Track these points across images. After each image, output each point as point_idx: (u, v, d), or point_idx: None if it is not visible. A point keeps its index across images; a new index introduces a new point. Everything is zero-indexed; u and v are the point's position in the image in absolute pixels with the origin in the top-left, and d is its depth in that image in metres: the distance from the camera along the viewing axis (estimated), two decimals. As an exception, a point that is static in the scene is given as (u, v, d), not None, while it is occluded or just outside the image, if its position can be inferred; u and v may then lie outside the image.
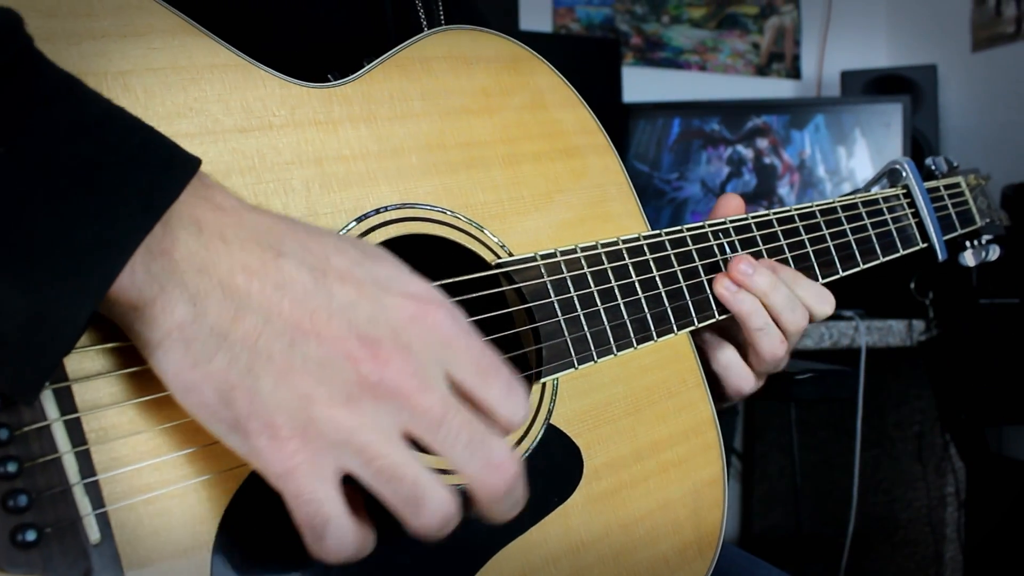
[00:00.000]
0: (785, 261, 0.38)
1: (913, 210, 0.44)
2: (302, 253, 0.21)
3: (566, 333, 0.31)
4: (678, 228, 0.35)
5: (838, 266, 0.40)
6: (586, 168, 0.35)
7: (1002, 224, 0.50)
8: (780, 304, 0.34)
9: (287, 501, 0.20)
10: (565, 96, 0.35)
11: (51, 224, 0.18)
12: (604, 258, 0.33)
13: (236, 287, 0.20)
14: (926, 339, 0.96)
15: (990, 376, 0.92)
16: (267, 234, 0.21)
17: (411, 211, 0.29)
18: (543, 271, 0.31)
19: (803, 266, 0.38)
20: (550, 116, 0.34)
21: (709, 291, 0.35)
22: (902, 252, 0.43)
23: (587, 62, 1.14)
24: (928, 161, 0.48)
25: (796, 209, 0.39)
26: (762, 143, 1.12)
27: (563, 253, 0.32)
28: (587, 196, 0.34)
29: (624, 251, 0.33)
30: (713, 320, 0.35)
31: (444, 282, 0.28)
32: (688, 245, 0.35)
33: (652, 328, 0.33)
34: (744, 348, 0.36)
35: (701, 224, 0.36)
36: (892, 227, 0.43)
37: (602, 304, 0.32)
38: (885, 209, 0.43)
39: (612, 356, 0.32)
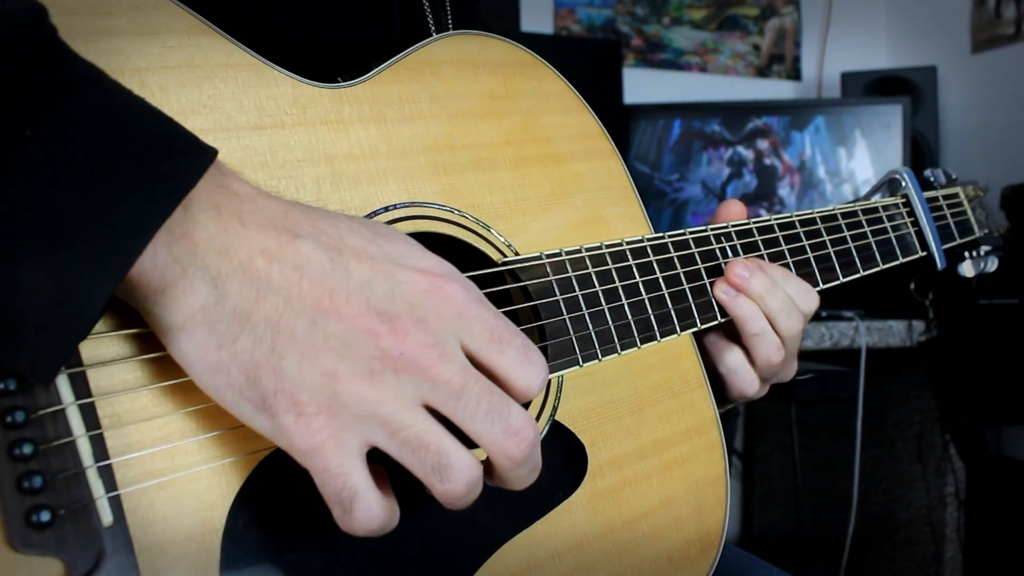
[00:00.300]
0: (787, 266, 0.38)
1: (912, 219, 0.45)
2: (317, 234, 0.21)
3: (571, 331, 0.31)
4: (681, 231, 0.36)
5: (839, 272, 0.40)
6: (591, 172, 0.35)
7: (1000, 235, 0.51)
8: (776, 308, 0.35)
9: (315, 476, 0.21)
10: (570, 101, 0.35)
11: (75, 206, 0.18)
12: (608, 259, 0.33)
13: (256, 269, 0.20)
14: (926, 339, 0.97)
15: (990, 376, 0.93)
16: (283, 218, 0.21)
17: (420, 209, 0.30)
18: (548, 270, 0.31)
19: (804, 271, 0.39)
20: (556, 120, 0.35)
21: (711, 293, 0.36)
22: (901, 260, 0.44)
23: (588, 63, 1.14)
24: (927, 173, 0.49)
25: (797, 215, 0.40)
26: (762, 144, 1.12)
27: (568, 253, 0.32)
28: (591, 199, 0.35)
29: (628, 252, 0.34)
30: (715, 322, 0.36)
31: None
32: (691, 248, 0.36)
33: (655, 328, 0.34)
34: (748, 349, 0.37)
35: (703, 228, 0.37)
36: (892, 235, 0.44)
37: (606, 304, 0.32)
38: (885, 217, 0.44)
39: (616, 355, 0.32)
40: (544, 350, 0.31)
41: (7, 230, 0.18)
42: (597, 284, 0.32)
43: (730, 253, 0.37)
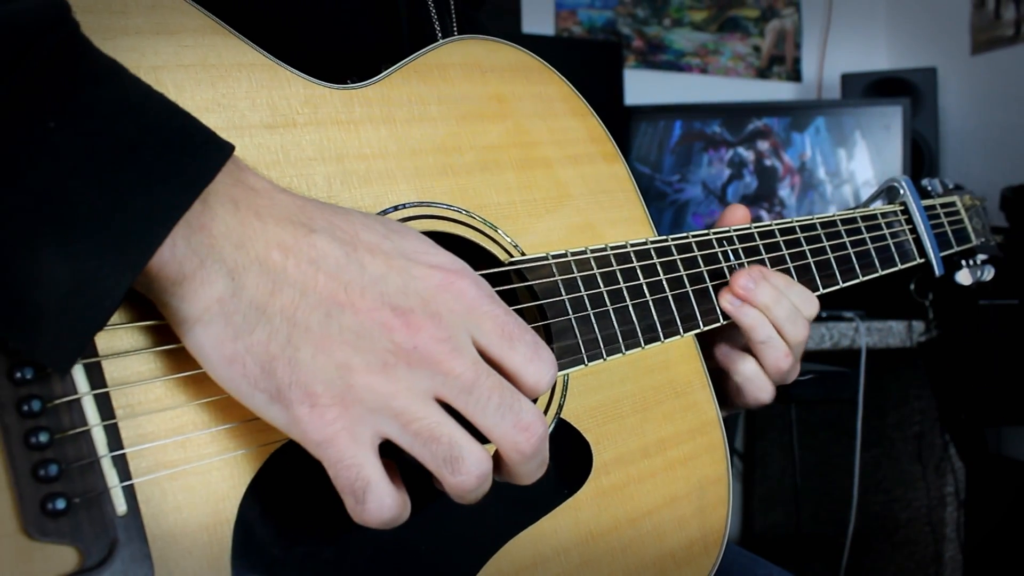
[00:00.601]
0: (787, 270, 0.39)
1: (911, 226, 0.46)
2: (332, 229, 0.22)
3: (576, 331, 0.31)
4: (683, 235, 0.36)
5: (838, 277, 0.41)
6: (595, 174, 0.36)
7: (996, 244, 0.51)
8: (783, 317, 0.35)
9: (328, 468, 0.21)
10: (575, 105, 0.36)
11: (95, 197, 0.18)
12: (613, 260, 0.33)
13: (273, 262, 0.20)
14: (926, 340, 0.97)
15: (989, 377, 0.93)
16: (299, 212, 0.21)
17: (429, 209, 0.30)
18: (554, 270, 0.32)
19: (804, 277, 0.39)
20: (561, 124, 0.35)
21: (714, 296, 0.36)
22: (900, 266, 0.44)
23: (589, 65, 1.14)
24: (924, 182, 0.50)
25: (798, 221, 0.40)
26: (763, 145, 1.13)
27: (574, 254, 0.32)
28: (596, 201, 0.35)
29: (632, 254, 0.34)
30: (718, 324, 0.36)
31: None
32: (693, 251, 0.36)
33: (659, 329, 0.34)
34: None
35: (706, 231, 0.37)
36: (890, 242, 0.44)
37: (611, 304, 0.33)
38: (883, 224, 0.44)
39: (621, 355, 0.33)
40: (550, 347, 0.31)
41: (29, 220, 0.18)
42: (602, 285, 0.33)
43: (732, 256, 0.37)
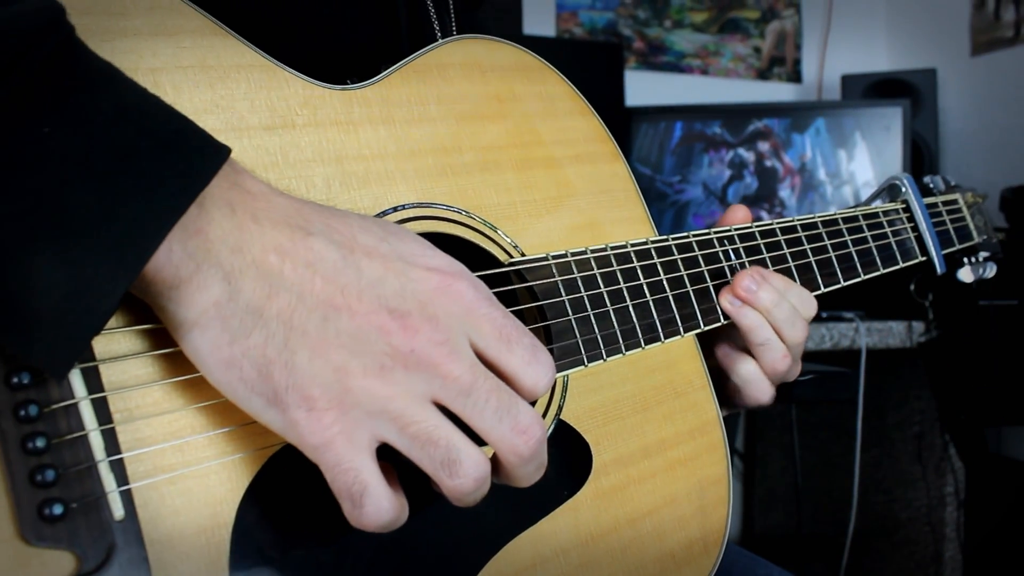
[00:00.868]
0: (788, 269, 0.39)
1: (912, 224, 0.45)
2: (329, 232, 0.21)
3: (576, 331, 0.31)
4: (684, 234, 0.36)
5: (839, 276, 0.41)
6: (596, 174, 0.36)
7: (998, 242, 0.51)
8: (783, 319, 0.35)
9: (325, 471, 0.21)
10: (575, 104, 0.36)
11: (91, 202, 0.18)
12: (613, 260, 0.33)
13: (269, 266, 0.20)
14: (926, 340, 0.97)
15: (989, 377, 0.93)
16: (296, 215, 0.21)
17: (428, 210, 0.30)
18: (554, 271, 0.32)
19: (806, 276, 0.39)
20: (561, 123, 0.35)
21: (714, 296, 0.36)
22: (901, 264, 0.44)
23: (590, 66, 1.14)
24: (926, 179, 0.50)
25: (799, 219, 0.40)
26: (763, 146, 1.13)
27: (574, 255, 0.32)
28: (596, 201, 0.35)
29: (633, 254, 0.34)
30: (718, 324, 0.36)
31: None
32: (694, 251, 0.36)
33: (660, 329, 0.34)
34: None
35: (706, 231, 0.37)
36: (892, 240, 0.44)
37: (611, 305, 0.33)
38: (885, 223, 0.44)
39: (621, 355, 0.32)
40: (550, 350, 0.31)
41: (24, 225, 0.18)
42: (602, 285, 0.33)
43: (733, 256, 0.37)
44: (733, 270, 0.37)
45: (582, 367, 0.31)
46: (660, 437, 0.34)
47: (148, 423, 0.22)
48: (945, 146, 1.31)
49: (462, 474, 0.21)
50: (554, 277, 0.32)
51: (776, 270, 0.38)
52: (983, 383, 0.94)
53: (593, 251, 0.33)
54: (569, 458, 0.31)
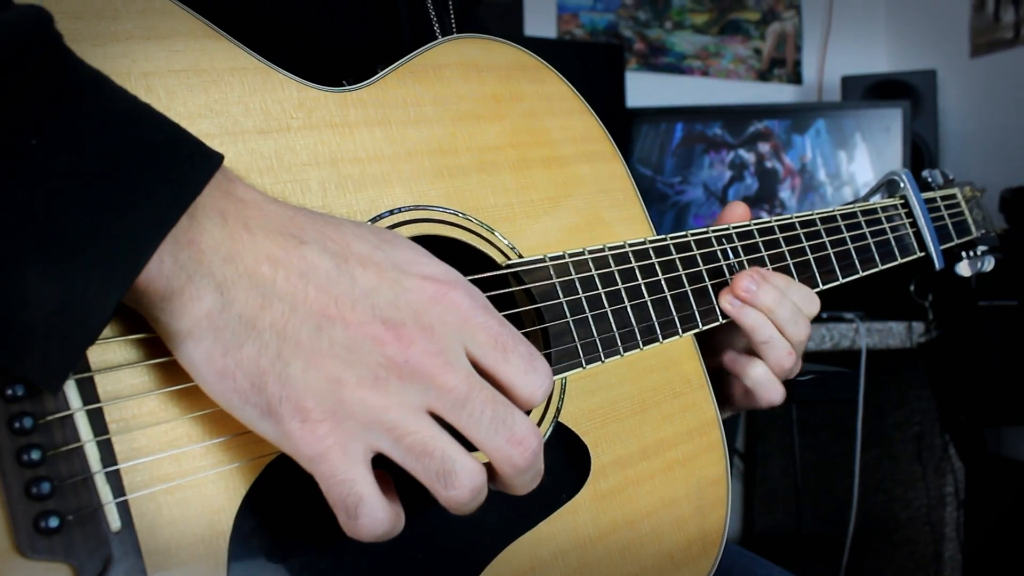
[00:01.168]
0: (787, 267, 0.39)
1: (911, 220, 0.45)
2: (323, 240, 0.21)
3: (574, 333, 0.31)
4: (682, 233, 0.36)
5: (838, 273, 0.41)
6: (593, 174, 0.35)
7: (996, 235, 0.51)
8: (785, 318, 0.35)
9: (320, 482, 0.21)
10: (573, 104, 0.36)
11: (80, 215, 0.18)
12: (611, 261, 0.33)
13: (262, 276, 0.20)
14: (926, 341, 0.97)
15: (989, 377, 0.93)
16: (289, 224, 0.21)
17: (424, 212, 0.30)
18: (552, 272, 0.32)
19: (805, 274, 0.39)
20: (559, 123, 0.35)
21: (713, 296, 0.36)
22: (900, 260, 0.44)
23: (591, 67, 1.14)
24: (924, 173, 0.49)
25: (797, 217, 0.40)
26: (764, 147, 1.13)
27: (571, 255, 0.32)
28: (594, 201, 0.35)
29: (631, 255, 0.34)
30: (717, 323, 0.36)
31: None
32: (692, 250, 0.36)
33: (658, 330, 0.34)
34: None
35: (705, 229, 0.37)
36: (890, 236, 0.44)
37: (609, 306, 0.32)
38: (883, 219, 0.44)
39: (619, 357, 0.32)
40: (548, 353, 0.31)
41: (13, 239, 0.18)
42: (600, 286, 0.33)
43: (731, 255, 0.37)
44: (731, 269, 0.37)
45: (580, 369, 0.31)
46: (659, 438, 0.34)
47: (144, 433, 0.22)
48: (945, 147, 1.31)
49: (458, 485, 0.21)
50: (551, 279, 0.31)
51: (775, 268, 0.38)
52: (983, 383, 0.94)
53: (591, 252, 0.33)
54: (568, 460, 0.31)
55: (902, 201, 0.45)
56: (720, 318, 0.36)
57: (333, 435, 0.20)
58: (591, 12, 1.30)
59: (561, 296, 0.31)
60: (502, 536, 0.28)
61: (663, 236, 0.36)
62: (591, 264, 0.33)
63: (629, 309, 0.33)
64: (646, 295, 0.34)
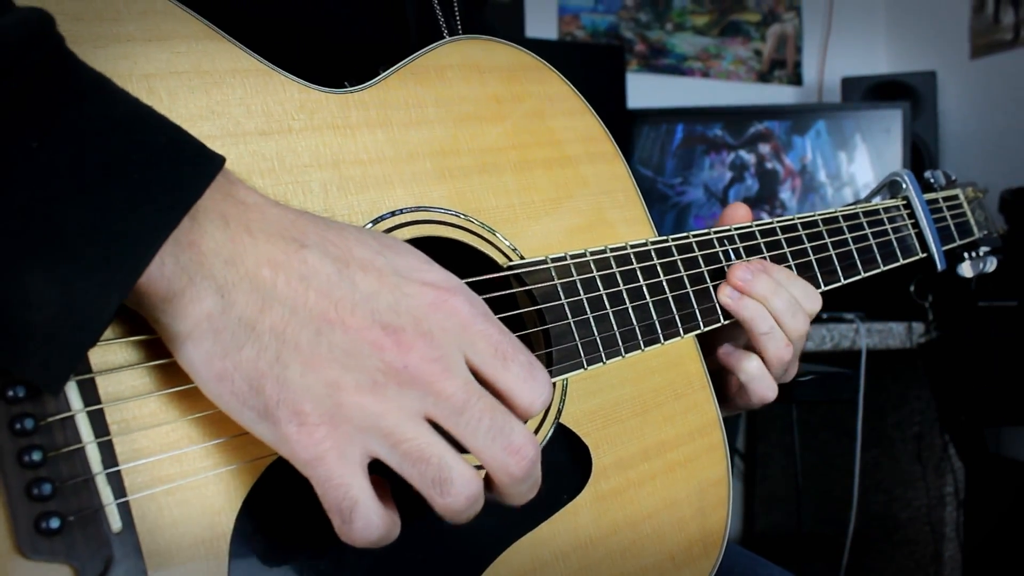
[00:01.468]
0: (789, 268, 0.39)
1: (913, 221, 0.45)
2: (324, 244, 0.21)
3: (576, 334, 0.31)
4: (684, 235, 0.36)
5: (840, 274, 0.41)
6: (595, 175, 0.35)
7: (999, 236, 0.51)
8: (782, 309, 0.35)
9: (316, 486, 0.21)
10: (575, 105, 0.36)
11: (82, 217, 0.18)
12: (613, 262, 0.33)
13: (263, 279, 0.20)
14: (926, 341, 0.97)
15: (989, 378, 0.93)
16: (290, 227, 0.21)
17: (426, 214, 0.30)
18: (553, 274, 0.32)
19: (806, 275, 0.39)
20: (560, 124, 0.35)
21: (714, 296, 0.36)
22: (902, 261, 0.44)
23: (592, 69, 1.15)
24: (927, 174, 0.49)
25: (799, 218, 0.40)
26: (764, 148, 1.13)
27: (573, 257, 0.32)
28: (596, 202, 0.35)
29: (632, 256, 0.34)
30: (718, 324, 0.36)
31: (457, 283, 0.28)
32: (694, 251, 0.36)
33: (659, 331, 0.34)
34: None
35: (707, 231, 0.37)
36: (892, 237, 0.44)
37: (611, 307, 0.32)
38: (886, 219, 0.44)
39: (620, 358, 0.32)
40: (549, 354, 0.31)
41: (14, 241, 0.18)
42: (601, 287, 0.33)
43: (733, 256, 0.37)
44: None
45: (581, 370, 0.31)
46: (660, 439, 0.34)
47: (145, 434, 0.22)
48: (945, 148, 1.32)
49: (453, 493, 0.21)
50: (553, 280, 0.31)
51: None
52: (982, 384, 0.94)
53: (592, 253, 0.33)
54: (569, 462, 0.31)
55: (904, 202, 0.45)
56: (722, 318, 0.36)
57: (330, 439, 0.20)
58: (592, 13, 1.30)
59: (563, 297, 0.31)
60: (503, 537, 0.28)
61: (665, 237, 0.36)
62: (592, 265, 0.33)
63: (631, 310, 0.33)
64: (648, 296, 0.34)
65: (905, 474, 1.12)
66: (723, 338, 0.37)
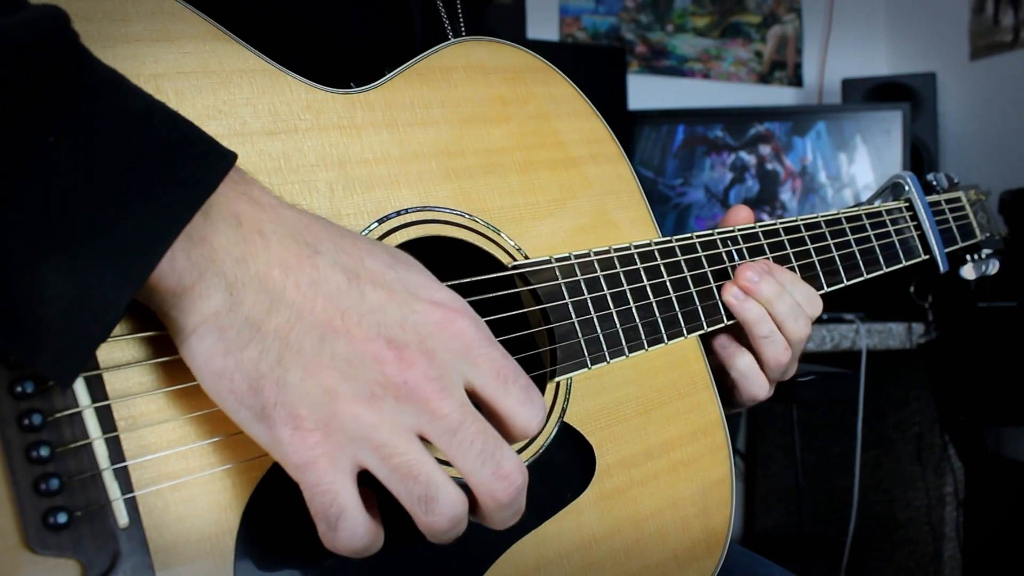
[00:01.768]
0: (791, 269, 0.39)
1: (915, 223, 0.45)
2: (337, 253, 0.21)
3: (580, 334, 0.31)
4: (688, 235, 0.36)
5: (842, 275, 0.41)
6: (599, 176, 0.36)
7: (1001, 238, 0.51)
8: (784, 312, 0.35)
9: (304, 491, 0.21)
10: (579, 106, 0.36)
11: (96, 212, 0.18)
12: (617, 262, 0.33)
13: (272, 280, 0.20)
14: (925, 342, 0.97)
15: (988, 378, 0.93)
16: (304, 231, 0.21)
17: (431, 214, 0.30)
18: (558, 273, 0.32)
19: (809, 275, 0.39)
20: (565, 125, 0.35)
21: (718, 296, 0.36)
22: (904, 263, 0.44)
23: (593, 70, 1.15)
24: (929, 176, 0.50)
25: (802, 219, 0.40)
26: (765, 149, 1.13)
27: (577, 257, 0.32)
28: (600, 203, 0.35)
29: (636, 256, 0.34)
30: (722, 324, 0.36)
31: (462, 281, 0.29)
32: (698, 252, 0.36)
33: (663, 331, 0.34)
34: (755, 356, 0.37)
35: (710, 231, 0.37)
36: (895, 239, 0.44)
37: (615, 307, 0.33)
38: (888, 221, 0.44)
39: (624, 357, 0.33)
40: (553, 352, 0.31)
41: (29, 235, 0.18)
42: (605, 287, 0.33)
43: (736, 256, 0.37)
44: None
45: (585, 370, 0.31)
46: (663, 439, 0.34)
47: (152, 430, 0.22)
48: (944, 149, 1.32)
49: (437, 512, 0.21)
50: (557, 280, 0.32)
51: None
52: (982, 384, 0.94)
53: (596, 254, 0.33)
54: (573, 460, 0.31)
55: (907, 204, 0.46)
56: (725, 319, 0.36)
57: (322, 446, 0.20)
58: (593, 15, 1.30)
59: (567, 297, 0.32)
60: (507, 535, 0.28)
61: (668, 238, 0.36)
62: (596, 266, 0.33)
63: (634, 310, 0.33)
64: (651, 296, 0.34)
65: (905, 474, 1.12)
66: (723, 330, 0.37)
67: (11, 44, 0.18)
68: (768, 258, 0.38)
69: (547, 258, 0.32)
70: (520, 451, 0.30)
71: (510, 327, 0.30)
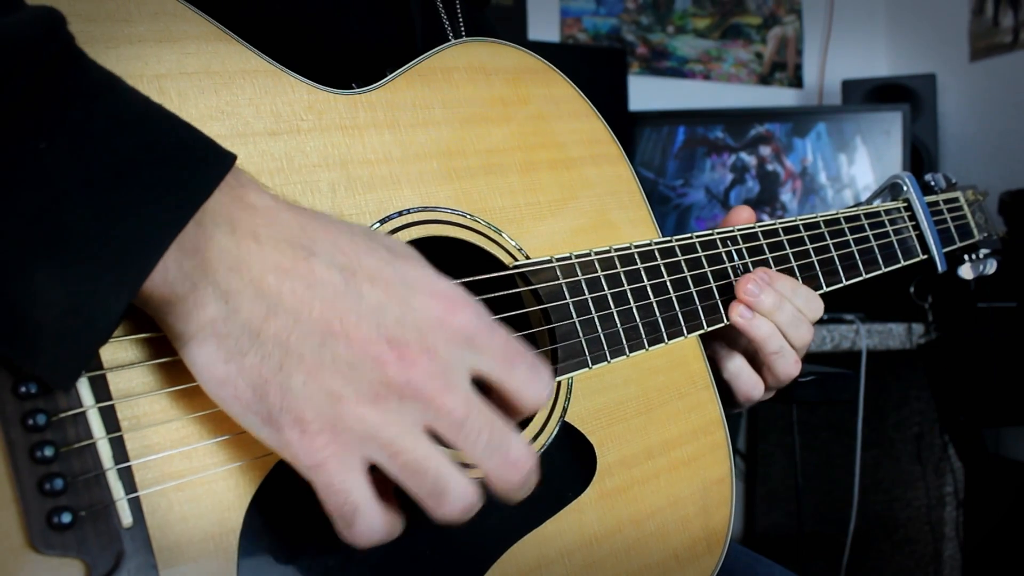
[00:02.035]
0: (791, 269, 0.39)
1: (914, 223, 0.46)
2: (333, 252, 0.21)
3: (580, 334, 0.31)
4: (688, 236, 0.36)
5: (841, 275, 0.41)
6: (600, 176, 0.36)
7: (999, 238, 0.52)
8: (786, 322, 0.36)
9: (318, 491, 0.21)
10: (580, 107, 0.36)
11: (89, 219, 0.18)
12: (617, 262, 0.34)
13: (268, 287, 0.20)
14: (925, 342, 0.97)
15: (988, 378, 0.93)
16: (300, 233, 0.21)
17: (432, 214, 0.30)
18: (559, 273, 0.32)
19: (808, 275, 0.40)
20: (565, 126, 0.35)
21: (718, 297, 0.36)
22: (903, 263, 0.44)
23: (594, 71, 1.15)
24: (927, 177, 0.50)
25: (801, 219, 0.40)
26: (765, 150, 1.13)
27: (578, 257, 0.32)
28: (600, 203, 0.35)
29: (636, 256, 0.34)
30: (722, 324, 0.36)
31: (463, 280, 0.29)
32: (697, 252, 0.36)
33: (663, 330, 0.34)
34: (751, 355, 0.37)
35: (710, 232, 0.37)
36: (893, 239, 0.44)
37: (615, 307, 0.33)
38: (887, 221, 0.44)
39: (624, 357, 0.33)
40: (554, 352, 0.31)
41: (22, 242, 0.18)
42: (606, 287, 0.33)
43: (736, 256, 0.37)
44: (736, 271, 0.37)
45: (586, 369, 0.31)
46: (664, 438, 0.34)
47: (156, 430, 0.22)
48: (944, 150, 1.32)
49: (449, 503, 0.21)
50: (558, 280, 0.32)
51: (779, 270, 0.38)
52: (982, 384, 0.94)
53: (597, 254, 0.33)
54: (574, 460, 0.31)
55: (905, 204, 0.46)
56: (724, 319, 0.36)
57: (330, 447, 0.20)
58: (594, 16, 1.30)
59: (568, 297, 0.32)
60: (508, 534, 0.28)
61: (668, 238, 0.36)
62: (597, 265, 0.33)
63: (635, 310, 0.33)
64: (652, 296, 0.34)
65: (905, 474, 1.12)
66: (722, 343, 0.38)
67: (4, 47, 0.18)
68: (767, 258, 0.38)
69: (548, 258, 0.32)
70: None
71: (511, 327, 0.30)
